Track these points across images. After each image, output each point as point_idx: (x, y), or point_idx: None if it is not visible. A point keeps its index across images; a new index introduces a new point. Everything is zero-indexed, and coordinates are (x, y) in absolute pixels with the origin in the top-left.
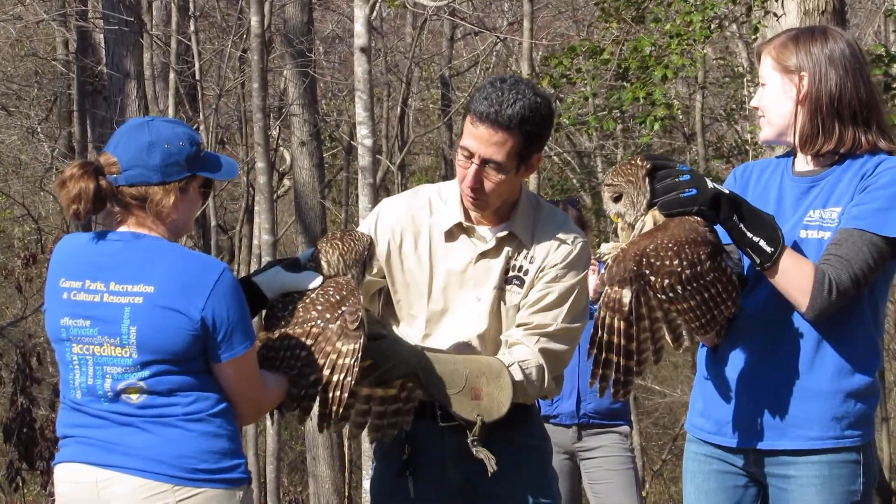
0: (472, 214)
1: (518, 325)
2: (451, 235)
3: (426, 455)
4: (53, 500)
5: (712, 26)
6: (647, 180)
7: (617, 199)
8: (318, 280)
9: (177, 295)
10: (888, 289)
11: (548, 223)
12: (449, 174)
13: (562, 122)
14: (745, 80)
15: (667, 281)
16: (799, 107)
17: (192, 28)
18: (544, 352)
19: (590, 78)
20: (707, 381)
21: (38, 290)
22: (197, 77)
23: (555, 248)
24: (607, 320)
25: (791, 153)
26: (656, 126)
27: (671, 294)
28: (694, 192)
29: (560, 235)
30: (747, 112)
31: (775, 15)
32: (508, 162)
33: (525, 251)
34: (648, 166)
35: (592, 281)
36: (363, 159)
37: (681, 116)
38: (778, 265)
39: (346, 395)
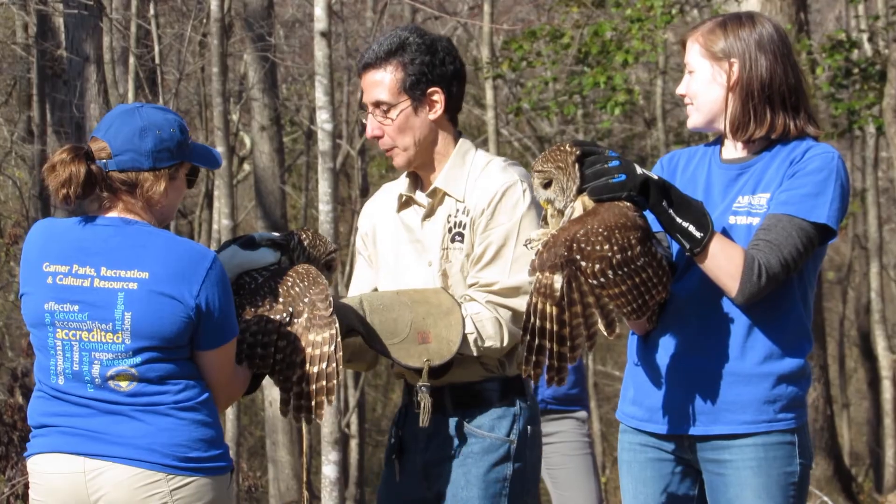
0: (416, 182)
1: (470, 285)
2: (403, 207)
3: (409, 439)
4: (13, 486)
5: (673, 11)
6: (576, 166)
7: (547, 186)
8: (275, 256)
9: (172, 281)
10: (817, 273)
11: (478, 171)
12: None
13: (522, 106)
14: None
15: (598, 266)
16: (730, 93)
17: (151, 12)
18: (496, 306)
19: (550, 62)
20: (637, 368)
21: None
22: (157, 61)
23: (479, 195)
24: (539, 306)
25: (718, 140)
26: (617, 111)
27: (602, 279)
28: (623, 177)
29: (486, 181)
30: None
31: (736, 0)
32: (393, 97)
33: (461, 205)
34: (578, 152)
35: None
36: (323, 144)
37: (641, 101)
38: (707, 250)
39: (333, 383)
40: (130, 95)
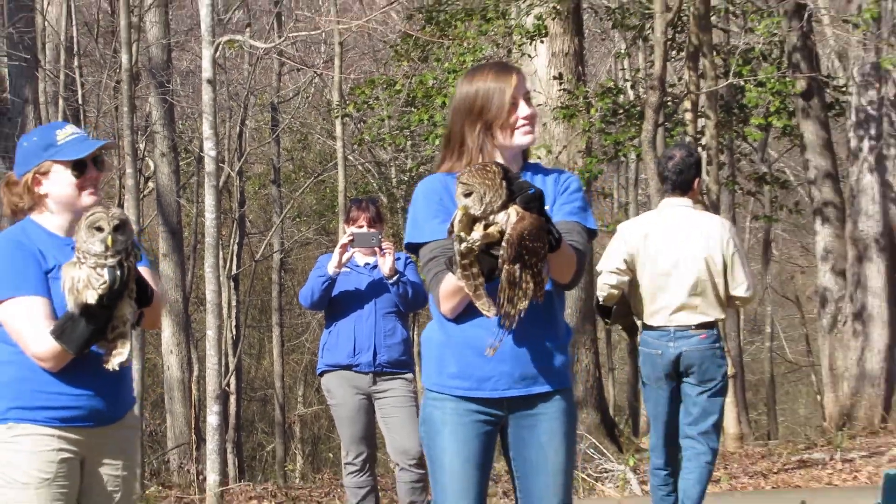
0: None
1: None
2: None
3: None
4: None
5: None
6: (503, 183)
7: (467, 195)
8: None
9: None
10: None
11: None
12: (276, 178)
13: (364, 138)
14: None
15: (535, 257)
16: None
17: (76, 64)
18: None
19: (386, 104)
20: (459, 345)
21: None
22: (80, 102)
23: None
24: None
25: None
26: (437, 142)
27: (536, 268)
28: (533, 191)
29: None
30: None
31: (529, 56)
32: None
33: None
34: (502, 173)
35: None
36: (209, 167)
37: None
38: (561, 245)
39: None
40: None
